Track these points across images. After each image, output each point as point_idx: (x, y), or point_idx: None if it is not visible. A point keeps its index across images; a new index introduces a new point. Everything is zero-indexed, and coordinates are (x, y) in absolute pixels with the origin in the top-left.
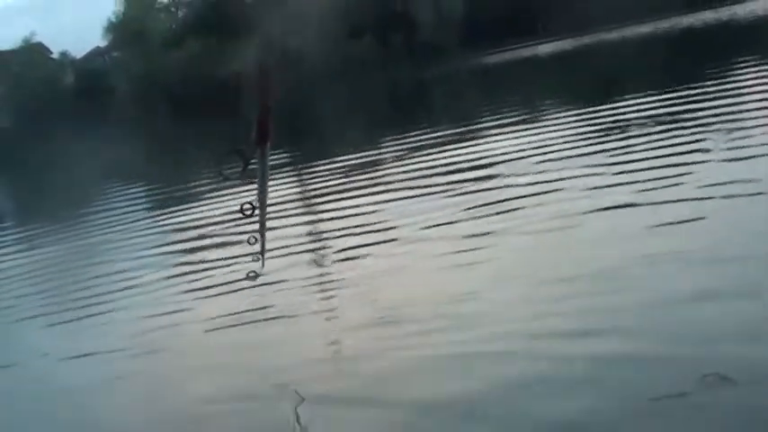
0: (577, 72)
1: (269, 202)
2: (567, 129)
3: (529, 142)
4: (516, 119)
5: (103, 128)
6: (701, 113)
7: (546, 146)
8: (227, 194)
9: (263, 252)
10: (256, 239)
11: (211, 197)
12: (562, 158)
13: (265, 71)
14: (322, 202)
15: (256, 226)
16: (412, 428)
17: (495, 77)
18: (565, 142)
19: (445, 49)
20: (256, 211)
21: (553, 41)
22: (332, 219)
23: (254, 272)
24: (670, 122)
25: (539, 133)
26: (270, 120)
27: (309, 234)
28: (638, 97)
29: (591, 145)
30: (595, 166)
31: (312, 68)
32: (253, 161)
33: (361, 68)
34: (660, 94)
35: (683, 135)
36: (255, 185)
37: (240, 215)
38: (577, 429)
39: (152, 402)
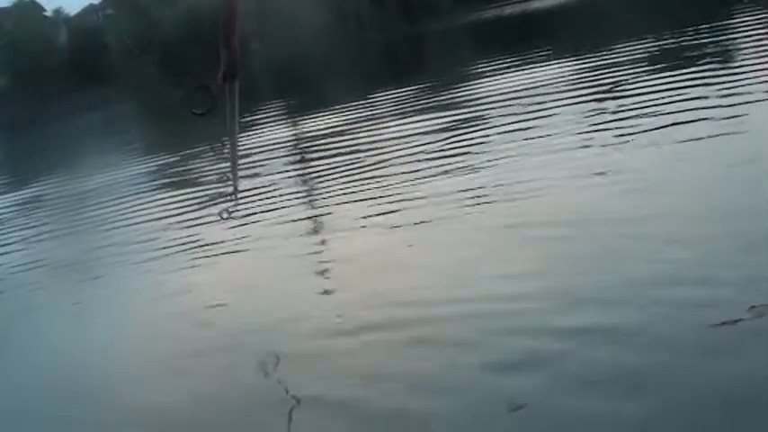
0: (577, 24)
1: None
2: (562, 71)
3: (519, 84)
4: (508, 65)
5: (99, 86)
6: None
7: (536, 87)
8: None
9: (235, 189)
10: (229, 178)
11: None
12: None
13: (229, 2)
14: (317, 145)
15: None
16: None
17: (489, 31)
18: (559, 83)
19: (439, 5)
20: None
21: None
22: (326, 158)
23: (227, 211)
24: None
25: (529, 76)
26: (235, 54)
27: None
28: (636, 44)
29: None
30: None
31: (306, 26)
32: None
33: (356, 26)
34: (657, 42)
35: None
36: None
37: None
38: (642, 358)
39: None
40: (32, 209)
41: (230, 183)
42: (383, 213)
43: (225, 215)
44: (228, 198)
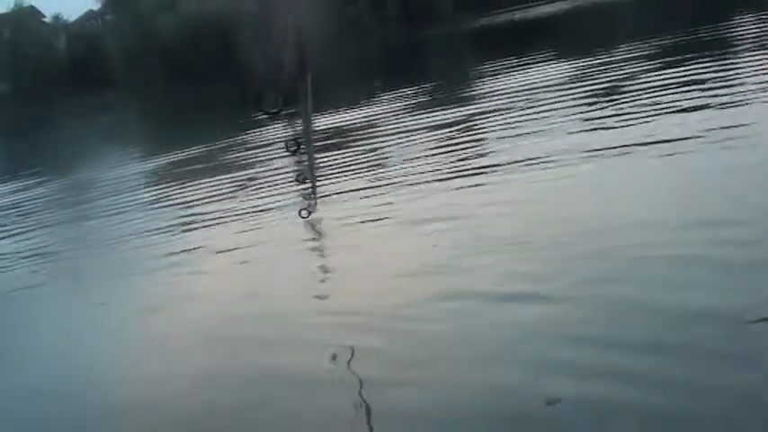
0: (575, 31)
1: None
2: (569, 70)
3: (524, 83)
4: (512, 66)
5: (100, 91)
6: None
7: (542, 84)
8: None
9: (314, 189)
10: (306, 177)
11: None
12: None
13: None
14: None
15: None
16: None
17: (491, 37)
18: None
19: (440, 12)
20: (302, 148)
21: (554, 2)
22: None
23: (306, 210)
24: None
25: (534, 76)
26: (308, 49)
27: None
28: (634, 50)
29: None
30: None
31: (306, 32)
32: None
33: (357, 32)
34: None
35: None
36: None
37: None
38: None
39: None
40: (41, 205)
41: (308, 181)
42: (395, 203)
43: (304, 214)
44: (308, 196)
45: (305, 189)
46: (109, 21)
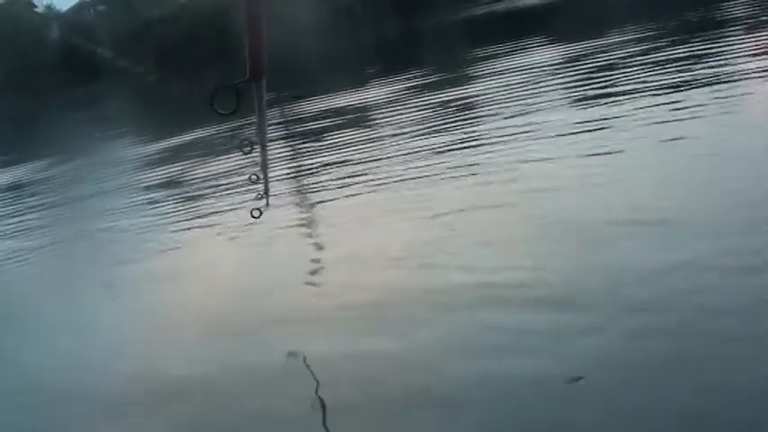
0: (569, 18)
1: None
2: (560, 56)
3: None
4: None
5: (92, 82)
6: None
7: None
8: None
9: (266, 189)
10: (258, 177)
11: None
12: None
13: None
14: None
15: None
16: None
17: (486, 26)
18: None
19: (434, 1)
20: (256, 148)
21: None
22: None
23: (258, 209)
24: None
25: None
26: (262, 51)
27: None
28: (626, 35)
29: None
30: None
31: (299, 20)
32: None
33: (349, 21)
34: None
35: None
36: (254, 122)
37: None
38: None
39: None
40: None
41: (261, 182)
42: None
43: (256, 214)
44: (259, 197)
45: (258, 188)
46: (101, 11)
